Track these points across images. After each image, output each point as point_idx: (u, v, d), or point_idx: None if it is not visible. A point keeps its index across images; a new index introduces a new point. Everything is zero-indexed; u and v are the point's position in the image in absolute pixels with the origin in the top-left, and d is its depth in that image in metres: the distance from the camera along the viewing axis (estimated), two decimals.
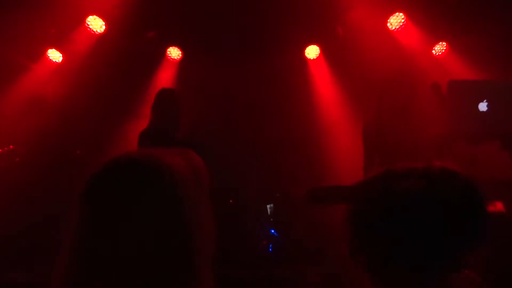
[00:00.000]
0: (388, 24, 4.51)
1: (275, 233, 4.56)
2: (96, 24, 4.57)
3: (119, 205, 0.80)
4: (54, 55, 4.93)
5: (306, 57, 5.19)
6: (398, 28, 4.50)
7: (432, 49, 4.84)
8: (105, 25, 4.59)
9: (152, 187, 0.82)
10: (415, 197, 0.88)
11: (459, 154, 2.71)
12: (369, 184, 0.97)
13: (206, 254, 0.91)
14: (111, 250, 0.79)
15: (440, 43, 4.83)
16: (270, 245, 4.42)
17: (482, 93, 2.27)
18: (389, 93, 3.17)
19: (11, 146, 3.66)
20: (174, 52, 5.20)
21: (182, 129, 3.43)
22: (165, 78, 5.13)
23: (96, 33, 4.61)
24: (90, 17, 4.52)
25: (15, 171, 3.77)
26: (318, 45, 5.13)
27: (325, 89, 5.11)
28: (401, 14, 4.43)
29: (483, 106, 2.28)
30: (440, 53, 4.86)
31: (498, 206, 1.33)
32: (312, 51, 5.18)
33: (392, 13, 4.46)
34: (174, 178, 0.85)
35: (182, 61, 5.22)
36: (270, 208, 4.81)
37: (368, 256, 0.89)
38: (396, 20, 4.47)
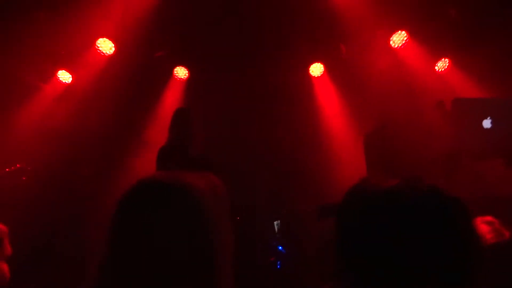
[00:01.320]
0: (391, 42, 4.60)
1: (282, 250, 4.56)
2: (105, 46, 4.69)
3: (148, 223, 0.86)
4: (64, 76, 5.04)
5: (310, 74, 5.29)
6: (400, 46, 4.58)
7: (435, 66, 4.92)
8: (115, 46, 4.70)
9: (176, 207, 0.89)
10: (394, 214, 0.86)
11: (465, 171, 2.74)
12: (351, 196, 0.97)
13: (227, 271, 0.97)
14: (139, 262, 0.85)
15: (443, 59, 4.91)
16: (278, 262, 4.42)
17: (486, 110, 2.31)
18: (391, 109, 3.23)
19: (18, 165, 3.74)
20: (181, 72, 5.31)
21: (195, 147, 3.52)
22: (172, 97, 5.22)
23: (106, 54, 4.73)
24: (100, 39, 4.64)
25: (22, 189, 3.84)
26: (322, 63, 5.23)
27: (330, 106, 5.18)
28: (403, 32, 4.53)
29: (487, 123, 2.32)
30: (443, 70, 4.93)
31: (506, 235, 1.35)
32: (316, 69, 5.28)
33: (394, 31, 4.55)
34: (196, 198, 0.91)
35: (189, 80, 5.32)
36: (277, 224, 4.83)
37: (351, 273, 0.88)
38: (398, 38, 4.56)
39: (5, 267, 1.33)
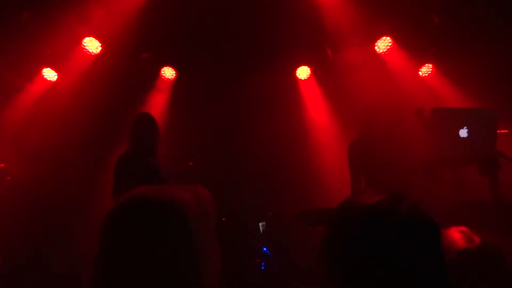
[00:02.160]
0: (376, 47, 4.68)
1: (267, 251, 4.61)
2: (92, 45, 4.67)
3: (134, 237, 0.90)
4: (49, 74, 5.00)
5: (297, 77, 5.34)
6: (385, 51, 4.66)
7: (419, 71, 5.01)
8: (101, 46, 4.68)
9: (163, 221, 0.92)
10: (377, 228, 0.92)
11: (443, 178, 2.82)
12: (339, 210, 1.03)
13: (212, 281, 1.01)
14: (128, 275, 0.88)
15: (426, 65, 5.01)
16: (263, 264, 4.47)
17: (462, 120, 2.40)
18: (374, 116, 3.29)
19: (1, 165, 3.69)
20: (168, 72, 5.31)
21: (156, 155, 3.49)
22: (159, 98, 5.22)
23: (92, 53, 4.71)
24: (87, 38, 4.61)
25: (6, 189, 3.80)
26: (309, 66, 5.28)
27: (316, 109, 5.24)
28: (388, 38, 4.61)
29: (463, 133, 2.40)
30: (426, 75, 5.03)
31: (476, 241, 1.41)
32: (303, 72, 5.33)
33: (379, 37, 4.63)
34: (182, 213, 0.95)
35: (176, 81, 5.32)
36: (262, 226, 4.88)
37: (339, 279, 0.93)
38: (383, 44, 4.65)
39: None
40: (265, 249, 4.63)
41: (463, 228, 1.59)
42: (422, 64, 4.97)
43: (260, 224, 4.91)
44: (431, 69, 4.98)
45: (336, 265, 0.97)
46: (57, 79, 5.00)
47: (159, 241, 0.90)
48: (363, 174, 3.26)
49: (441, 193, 2.72)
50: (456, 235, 1.53)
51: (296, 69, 5.33)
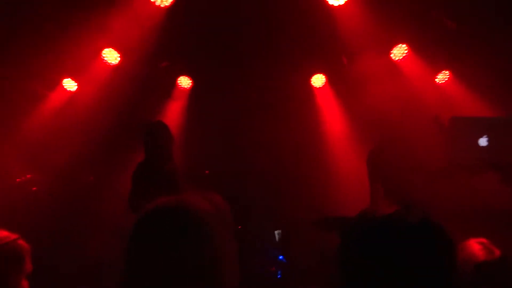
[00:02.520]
0: (392, 55, 4.66)
1: (283, 259, 4.60)
2: (111, 56, 4.78)
3: (160, 247, 0.93)
4: (69, 84, 5.13)
5: (312, 85, 5.35)
6: (401, 59, 4.64)
7: (435, 78, 4.97)
8: (120, 56, 4.78)
9: (186, 231, 0.95)
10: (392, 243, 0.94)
11: (460, 185, 2.79)
12: (355, 220, 1.04)
13: (235, 286, 1.04)
14: (153, 283, 0.91)
15: (443, 72, 4.96)
16: (279, 272, 4.46)
17: (482, 129, 2.37)
18: (391, 124, 3.28)
19: (28, 176, 3.79)
20: (184, 81, 5.39)
21: (172, 162, 3.53)
22: (175, 106, 5.30)
23: (111, 64, 4.82)
24: (106, 49, 4.72)
25: (33, 199, 3.89)
26: (324, 74, 5.29)
27: (331, 117, 5.24)
28: (404, 45, 4.59)
29: (483, 141, 2.37)
30: (443, 82, 4.98)
31: (496, 253, 1.40)
32: (318, 80, 5.34)
33: (395, 44, 4.61)
34: (203, 222, 0.98)
35: (192, 90, 5.40)
36: (278, 234, 4.87)
37: None
38: (399, 51, 4.63)
39: (25, 284, 1.40)
40: (281, 257, 4.62)
41: (482, 240, 1.59)
42: (439, 71, 4.92)
43: (276, 232, 4.91)
44: (448, 76, 4.93)
45: (349, 274, 0.98)
46: (77, 89, 5.13)
47: (183, 251, 0.93)
48: (382, 182, 3.26)
49: (457, 201, 2.69)
50: (475, 246, 1.53)
51: (311, 77, 5.34)
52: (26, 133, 4.71)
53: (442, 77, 4.96)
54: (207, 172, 4.91)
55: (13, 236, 1.40)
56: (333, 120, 5.27)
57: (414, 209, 0.97)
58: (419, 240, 0.93)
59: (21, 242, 1.41)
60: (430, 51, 4.62)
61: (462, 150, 2.33)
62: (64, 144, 4.77)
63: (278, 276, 4.43)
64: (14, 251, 1.37)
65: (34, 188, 3.79)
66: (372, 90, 4.64)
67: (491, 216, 2.49)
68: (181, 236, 0.94)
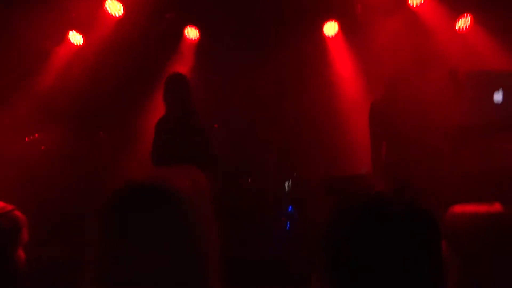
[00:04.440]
0: (409, 1, 4.37)
1: (292, 211, 4.68)
2: (114, 7, 4.63)
3: (132, 225, 0.91)
4: (75, 38, 5.03)
5: (324, 34, 5.11)
6: (419, 5, 4.35)
7: (456, 23, 4.66)
8: (123, 8, 4.63)
9: (160, 209, 0.93)
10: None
11: (474, 144, 2.69)
12: (339, 203, 1.01)
13: (213, 265, 1.02)
14: (126, 267, 0.90)
15: (464, 16, 4.64)
16: (288, 223, 4.55)
17: (498, 83, 2.23)
18: (401, 74, 3.10)
19: (36, 135, 3.82)
20: (191, 32, 5.21)
21: (196, 115, 3.44)
22: (183, 59, 5.18)
23: (115, 16, 4.67)
24: (109, 1, 4.57)
25: (41, 158, 3.94)
26: (337, 21, 5.03)
27: (343, 68, 5.05)
28: None
29: (498, 97, 2.24)
30: (464, 28, 4.68)
31: (496, 207, 1.35)
32: (330, 28, 5.09)
33: None
34: (180, 199, 0.95)
35: (200, 41, 5.23)
36: (288, 185, 4.91)
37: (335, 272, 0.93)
38: None
39: (22, 254, 1.43)
40: (290, 208, 4.70)
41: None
42: (460, 16, 4.60)
43: (286, 183, 4.95)
44: (469, 22, 4.61)
45: (332, 253, 0.96)
46: (83, 42, 5.03)
47: (157, 230, 0.91)
48: (385, 138, 3.13)
49: (471, 161, 2.60)
50: (477, 205, 1.47)
51: (323, 25, 5.09)
52: (36, 91, 4.72)
53: (463, 22, 4.63)
54: (216, 125, 4.88)
55: (9, 207, 1.41)
56: (346, 70, 5.08)
57: (403, 190, 0.94)
58: (405, 227, 0.90)
59: (17, 213, 1.43)
60: None
61: (477, 106, 2.21)
62: (73, 100, 4.77)
63: (287, 228, 4.53)
64: (10, 222, 1.38)
65: (43, 147, 3.83)
66: (386, 38, 4.42)
67: (504, 177, 2.40)
68: (155, 214, 0.91)
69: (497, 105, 2.20)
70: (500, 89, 2.18)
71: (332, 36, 5.08)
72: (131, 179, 0.96)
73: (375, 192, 0.94)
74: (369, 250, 0.89)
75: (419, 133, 2.83)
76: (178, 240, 0.92)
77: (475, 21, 4.63)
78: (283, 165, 4.95)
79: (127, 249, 0.90)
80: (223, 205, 4.40)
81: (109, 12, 4.66)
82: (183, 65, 5.03)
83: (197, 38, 5.23)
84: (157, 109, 4.12)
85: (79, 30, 4.95)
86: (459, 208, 1.40)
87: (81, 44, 5.03)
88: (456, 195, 2.35)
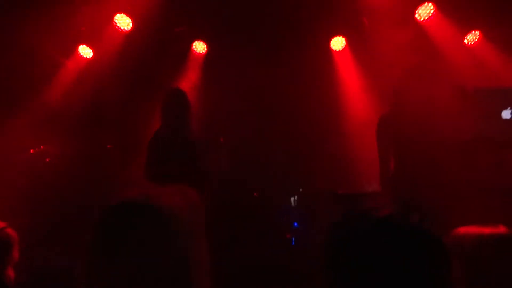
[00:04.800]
0: (417, 15, 4.36)
1: (298, 226, 4.62)
2: (123, 22, 4.70)
3: (123, 243, 0.90)
4: (85, 51, 5.11)
5: (331, 48, 5.12)
6: (427, 19, 4.34)
7: (464, 39, 4.64)
8: (132, 22, 4.70)
9: (151, 226, 0.92)
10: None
11: (484, 159, 2.64)
12: (344, 220, 1.00)
13: (203, 281, 1.01)
14: (114, 278, 0.89)
15: (473, 32, 4.62)
16: (293, 239, 4.49)
17: (505, 100, 2.19)
18: (409, 89, 3.08)
19: (41, 147, 3.84)
20: (199, 46, 5.26)
21: (191, 131, 3.45)
22: (191, 73, 5.22)
23: (124, 30, 4.74)
24: (118, 15, 4.64)
25: (47, 170, 3.96)
26: (344, 36, 5.04)
27: (351, 82, 5.04)
28: (430, 4, 4.27)
29: (507, 114, 2.21)
30: (472, 43, 4.65)
31: (500, 229, 1.33)
32: (337, 43, 5.10)
33: (420, 3, 4.30)
34: (171, 217, 0.95)
35: (208, 55, 5.28)
36: (294, 200, 4.87)
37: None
38: (425, 11, 4.32)
39: (11, 273, 1.41)
40: (296, 224, 4.64)
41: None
42: (468, 32, 4.59)
43: (291, 198, 4.91)
44: (477, 37, 4.59)
45: (333, 274, 0.94)
46: (93, 56, 5.11)
47: (148, 248, 0.91)
48: (392, 153, 3.09)
49: (481, 175, 2.55)
50: (481, 227, 1.45)
51: (330, 40, 5.11)
52: (44, 102, 4.77)
53: (472, 37, 4.62)
54: (221, 139, 4.88)
55: (1, 224, 1.40)
56: (354, 85, 5.07)
57: (412, 214, 0.93)
58: (412, 251, 0.88)
59: (9, 230, 1.42)
60: (459, 10, 4.29)
61: (485, 122, 2.18)
62: (82, 112, 4.81)
63: (292, 243, 4.47)
64: (1, 240, 1.37)
65: (48, 159, 3.85)
66: (394, 53, 4.40)
67: None
68: (146, 232, 0.91)
69: (505, 122, 2.16)
70: (508, 106, 2.15)
71: (339, 51, 5.09)
72: (124, 197, 0.96)
73: (383, 215, 0.93)
74: (374, 274, 0.88)
75: (427, 148, 2.79)
76: (168, 257, 0.91)
77: (483, 36, 4.61)
78: (290, 179, 4.91)
79: (116, 266, 0.89)
80: (228, 219, 4.40)
81: (118, 26, 4.73)
82: (190, 79, 5.07)
83: (205, 52, 5.27)
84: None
85: (89, 44, 5.03)
86: (464, 229, 1.37)
87: (90, 57, 5.11)
88: (464, 211, 2.30)
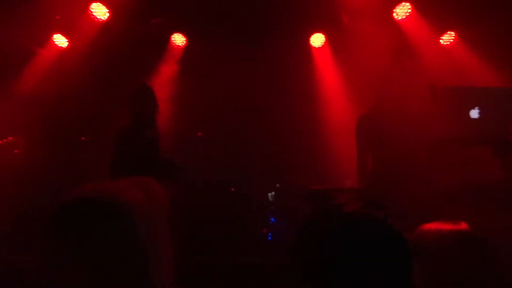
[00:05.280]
0: (394, 14, 4.42)
1: (275, 222, 4.65)
2: (100, 11, 4.59)
3: (77, 240, 0.88)
4: (60, 40, 4.98)
5: (311, 45, 5.14)
6: (404, 18, 4.40)
7: (440, 39, 4.73)
8: (109, 12, 4.59)
9: (106, 222, 0.90)
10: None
11: (451, 157, 2.71)
12: (315, 216, 1.01)
13: (166, 276, 1.00)
14: (72, 275, 0.87)
15: (448, 32, 4.72)
16: (270, 234, 4.51)
17: (474, 99, 2.25)
18: (387, 88, 3.13)
19: (10, 138, 3.72)
20: (178, 39, 5.20)
21: (155, 126, 3.45)
22: (169, 66, 5.15)
23: (100, 20, 4.63)
24: (94, 4, 4.53)
25: (15, 162, 3.84)
26: (323, 33, 5.06)
27: (330, 78, 5.07)
28: (407, 4, 4.33)
29: (474, 113, 2.26)
30: (448, 43, 4.75)
31: (461, 225, 1.37)
32: (317, 39, 5.12)
33: (398, 3, 4.36)
34: (127, 211, 0.93)
35: (187, 48, 5.22)
36: (271, 196, 4.88)
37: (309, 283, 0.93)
38: (402, 10, 4.38)
39: None
40: (273, 219, 4.66)
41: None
42: (444, 32, 4.68)
43: (269, 194, 4.92)
44: (453, 38, 4.69)
45: (303, 270, 0.95)
46: (68, 45, 4.98)
47: (103, 245, 0.89)
48: (371, 151, 3.15)
49: (447, 173, 2.62)
50: (443, 223, 1.49)
51: (310, 36, 5.12)
52: (18, 92, 4.63)
53: (447, 38, 4.72)
54: (199, 134, 4.84)
55: None
56: (332, 81, 5.10)
57: (377, 210, 0.94)
58: (374, 246, 0.90)
59: None
60: (435, 11, 4.36)
61: (453, 121, 2.23)
62: (56, 102, 4.69)
63: (269, 238, 4.49)
64: None
65: (16, 151, 3.73)
66: (372, 51, 4.44)
67: (480, 189, 2.43)
68: (101, 226, 0.89)
69: (473, 121, 2.22)
70: (476, 105, 2.21)
71: (319, 47, 5.11)
72: (79, 192, 0.94)
73: (349, 211, 0.94)
74: (337, 268, 0.89)
75: (405, 146, 2.84)
76: (125, 252, 0.89)
77: (459, 36, 4.71)
78: (267, 175, 4.92)
79: (71, 264, 0.87)
80: (206, 214, 4.39)
81: (95, 15, 4.61)
82: (168, 72, 5.01)
83: (184, 44, 5.21)
84: None
85: (64, 33, 4.90)
86: (426, 226, 1.41)
87: (65, 46, 4.98)
88: (433, 206, 2.36)
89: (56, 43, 4.97)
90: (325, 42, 5.08)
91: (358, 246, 0.90)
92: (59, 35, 4.93)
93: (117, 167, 3.23)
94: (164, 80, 5.02)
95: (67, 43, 4.96)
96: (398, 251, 0.92)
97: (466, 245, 1.34)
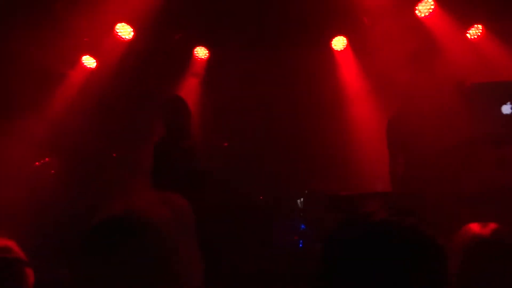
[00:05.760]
0: (417, 11, 4.33)
1: (305, 228, 4.61)
2: (124, 30, 4.74)
3: (108, 261, 0.91)
4: (88, 61, 5.17)
5: (333, 48, 5.10)
6: (427, 15, 4.30)
7: (466, 33, 4.59)
8: (133, 31, 4.74)
9: (133, 240, 0.93)
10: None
11: (484, 157, 2.60)
12: (341, 226, 0.99)
13: None
14: None
15: (475, 26, 4.57)
16: (301, 241, 4.48)
17: (505, 94, 2.16)
18: (414, 90, 3.07)
19: (46, 159, 3.87)
20: (201, 52, 5.29)
21: (190, 137, 3.51)
22: (193, 78, 5.24)
23: (125, 39, 4.79)
24: (119, 24, 4.68)
25: (51, 182, 3.99)
26: (345, 36, 5.02)
27: (353, 81, 5.01)
28: (430, 0, 4.24)
29: (507, 109, 2.17)
30: (475, 37, 4.60)
31: (491, 226, 1.32)
32: (339, 42, 5.08)
33: (420, 0, 4.27)
34: (155, 231, 0.95)
35: (209, 60, 5.30)
36: (300, 203, 4.85)
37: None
38: (424, 7, 4.28)
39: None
40: (303, 226, 4.63)
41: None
42: (470, 26, 4.53)
43: (298, 201, 4.89)
44: (480, 31, 4.53)
45: (335, 278, 0.94)
46: (96, 65, 5.16)
47: (131, 263, 0.90)
48: (403, 154, 3.10)
49: (481, 174, 2.52)
50: (474, 225, 1.44)
51: (331, 40, 5.09)
52: (49, 114, 4.82)
53: (474, 31, 4.56)
54: (226, 144, 4.89)
55: (13, 252, 1.35)
56: (355, 84, 5.04)
57: (405, 216, 0.92)
58: (407, 255, 0.88)
59: (27, 270, 1.36)
60: (459, 5, 4.24)
61: (485, 118, 2.15)
62: (86, 122, 4.86)
63: (300, 245, 4.45)
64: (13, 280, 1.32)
65: (53, 171, 3.88)
66: (396, 52, 4.36)
67: None
68: (127, 246, 0.91)
69: (505, 117, 2.13)
70: (508, 100, 2.12)
71: (340, 50, 5.07)
72: (107, 212, 0.97)
73: (378, 219, 0.92)
74: (371, 283, 0.87)
75: (435, 148, 2.78)
76: (152, 269, 0.91)
77: (486, 29, 4.55)
78: (295, 182, 4.89)
79: (101, 282, 0.89)
80: (235, 223, 4.40)
81: (120, 35, 4.77)
82: (193, 84, 5.10)
83: (207, 56, 5.30)
84: None
85: (92, 54, 5.08)
86: (462, 230, 1.37)
87: (94, 67, 5.16)
88: (466, 211, 2.28)
89: (85, 64, 5.16)
90: (347, 45, 5.03)
91: (389, 256, 0.87)
92: (87, 56, 5.12)
93: (157, 177, 3.33)
94: (188, 92, 5.11)
95: (95, 63, 5.15)
96: (431, 258, 0.90)
97: (501, 248, 1.29)
